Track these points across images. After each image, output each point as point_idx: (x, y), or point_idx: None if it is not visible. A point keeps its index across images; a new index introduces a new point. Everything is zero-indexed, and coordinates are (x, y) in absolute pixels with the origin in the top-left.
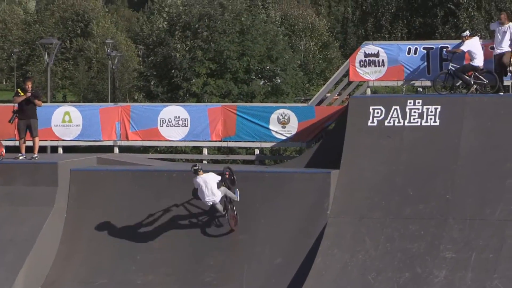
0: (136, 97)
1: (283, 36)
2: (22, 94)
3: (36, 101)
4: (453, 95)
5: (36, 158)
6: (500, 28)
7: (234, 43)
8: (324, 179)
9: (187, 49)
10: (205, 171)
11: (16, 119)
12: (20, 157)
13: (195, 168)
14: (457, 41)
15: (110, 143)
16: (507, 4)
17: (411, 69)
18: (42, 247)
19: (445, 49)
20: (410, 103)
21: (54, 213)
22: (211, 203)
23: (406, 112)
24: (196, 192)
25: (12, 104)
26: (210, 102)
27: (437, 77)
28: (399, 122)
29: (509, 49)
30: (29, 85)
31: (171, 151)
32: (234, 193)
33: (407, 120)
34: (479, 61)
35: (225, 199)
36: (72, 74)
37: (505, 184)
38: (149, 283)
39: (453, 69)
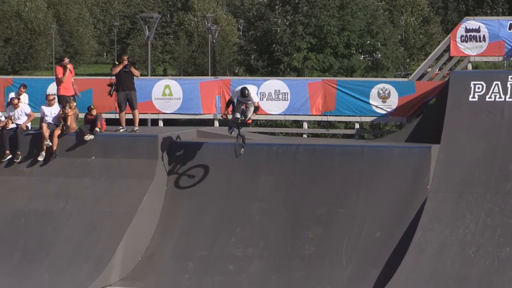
0: (236, 71)
1: (383, 11)
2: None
3: (133, 70)
4: None
5: (137, 131)
6: None
7: (334, 18)
8: (424, 154)
9: (287, 23)
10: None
11: (115, 92)
12: (121, 130)
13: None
14: None
15: (210, 116)
16: None
17: None
18: (141, 220)
19: None
20: (511, 78)
21: (154, 186)
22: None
23: (507, 87)
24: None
25: (108, 78)
26: (311, 76)
27: None
28: (500, 97)
29: None
30: (125, 58)
31: (271, 124)
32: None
33: (508, 96)
34: None
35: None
36: (173, 48)
37: None
38: (248, 256)
39: None
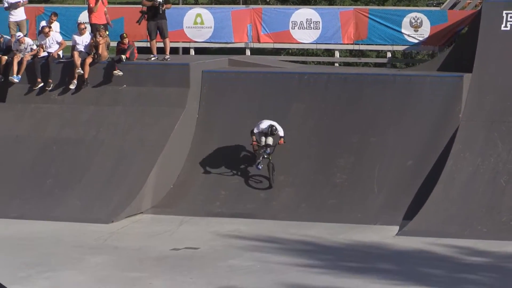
0: (267, 0)
1: None
2: None
3: (166, 6)
4: None
5: (168, 59)
6: None
7: None
8: (456, 83)
9: None
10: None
11: (146, 21)
12: (152, 58)
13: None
14: None
15: (241, 45)
16: None
17: None
18: (173, 148)
19: None
20: None
21: (185, 115)
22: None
23: None
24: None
25: (140, 6)
26: (342, 5)
27: None
28: None
29: None
30: None
31: (302, 53)
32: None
33: None
34: None
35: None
36: None
37: None
38: (280, 183)
39: None
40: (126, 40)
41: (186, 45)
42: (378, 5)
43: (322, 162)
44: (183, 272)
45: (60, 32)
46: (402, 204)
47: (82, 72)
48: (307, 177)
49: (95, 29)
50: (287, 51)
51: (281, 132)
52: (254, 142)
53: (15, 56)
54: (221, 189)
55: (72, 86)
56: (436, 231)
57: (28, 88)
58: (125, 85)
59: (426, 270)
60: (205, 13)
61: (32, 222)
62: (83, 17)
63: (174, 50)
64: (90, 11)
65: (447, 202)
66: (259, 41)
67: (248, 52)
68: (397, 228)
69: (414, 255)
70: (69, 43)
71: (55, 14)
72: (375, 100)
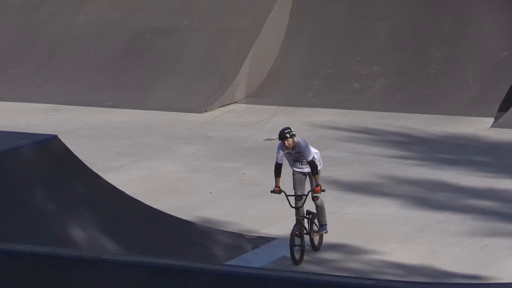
0: None
1: None
2: None
3: None
4: None
5: None
6: None
7: None
8: None
9: None
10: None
11: None
12: None
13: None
14: None
15: None
16: None
17: None
18: (267, 37)
19: None
20: None
21: (279, 3)
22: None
23: None
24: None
25: None
26: None
27: None
28: None
29: None
30: None
31: None
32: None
33: None
34: None
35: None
36: None
37: None
38: (373, 74)
39: None
40: None
41: None
42: None
43: (417, 53)
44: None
45: None
46: (497, 95)
47: None
48: (401, 68)
49: None
50: None
51: (306, 150)
52: (275, 188)
53: None
54: (315, 79)
55: None
56: None
57: None
58: None
59: None
60: None
61: (126, 111)
62: None
63: None
64: None
65: None
66: None
67: None
68: (491, 120)
69: (508, 148)
70: None
71: None
72: None
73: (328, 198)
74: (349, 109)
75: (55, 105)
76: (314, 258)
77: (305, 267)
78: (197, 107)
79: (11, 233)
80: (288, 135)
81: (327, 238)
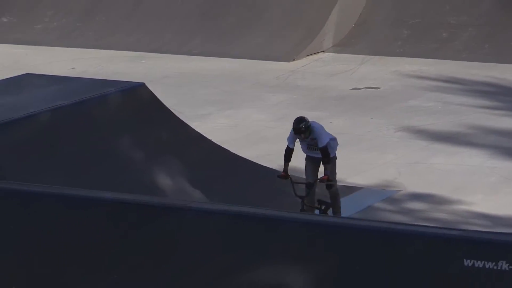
0: None
1: None
2: None
3: None
4: None
5: None
6: None
7: None
8: None
9: None
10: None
11: None
12: None
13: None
14: None
15: None
16: None
17: None
18: None
19: None
20: None
21: None
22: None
23: None
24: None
25: None
26: None
27: None
28: None
29: None
30: None
31: None
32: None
33: None
34: None
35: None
36: None
37: None
38: (462, 23)
39: None
40: None
41: None
42: None
43: (505, 2)
44: (363, 111)
45: None
46: None
47: None
48: (490, 17)
49: None
50: None
51: (321, 134)
52: (282, 177)
53: None
54: (403, 28)
55: None
56: None
57: None
58: None
59: None
60: None
61: (213, 59)
62: None
63: None
64: None
65: None
66: None
67: None
68: None
69: None
70: None
71: None
72: None
73: (415, 148)
74: (436, 58)
75: (142, 53)
76: (400, 208)
77: (392, 217)
78: (285, 56)
79: (98, 180)
80: (303, 129)
81: (414, 188)
